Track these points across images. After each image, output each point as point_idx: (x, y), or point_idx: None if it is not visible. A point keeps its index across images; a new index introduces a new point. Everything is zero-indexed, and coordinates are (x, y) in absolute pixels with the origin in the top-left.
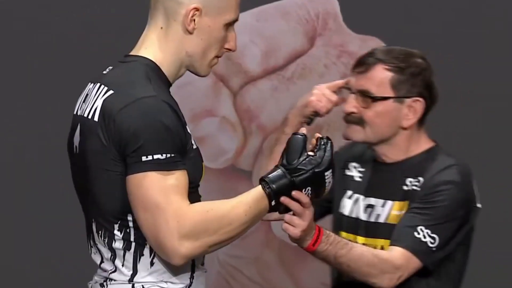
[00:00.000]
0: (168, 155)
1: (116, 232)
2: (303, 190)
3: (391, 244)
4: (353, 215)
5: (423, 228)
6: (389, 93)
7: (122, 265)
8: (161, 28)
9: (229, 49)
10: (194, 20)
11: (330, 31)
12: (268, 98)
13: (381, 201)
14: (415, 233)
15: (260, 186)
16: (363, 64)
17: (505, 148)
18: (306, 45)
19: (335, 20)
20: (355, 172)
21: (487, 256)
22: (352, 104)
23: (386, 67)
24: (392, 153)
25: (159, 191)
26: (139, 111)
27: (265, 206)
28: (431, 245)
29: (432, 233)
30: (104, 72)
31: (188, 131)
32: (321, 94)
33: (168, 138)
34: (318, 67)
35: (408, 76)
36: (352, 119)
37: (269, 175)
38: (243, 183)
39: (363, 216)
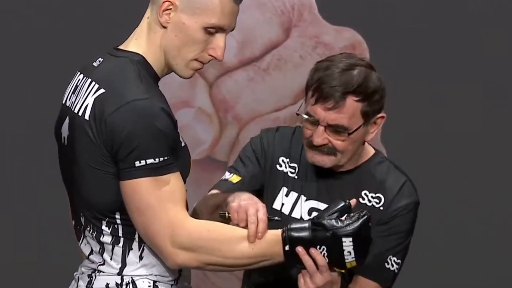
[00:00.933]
0: (162, 159)
1: (104, 227)
2: (318, 247)
3: (363, 275)
4: (296, 215)
5: (391, 256)
6: (360, 122)
7: (111, 259)
8: (148, 18)
9: (214, 57)
10: (170, 14)
11: (305, 22)
12: (244, 89)
13: None
14: (385, 264)
15: (281, 229)
16: (330, 98)
17: (504, 147)
18: (282, 36)
19: (310, 11)
20: (286, 167)
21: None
22: (322, 137)
23: (356, 98)
24: (347, 164)
25: (154, 197)
26: (132, 114)
27: (278, 249)
28: (396, 270)
29: (398, 259)
30: (95, 64)
31: (178, 129)
32: (243, 210)
33: (161, 141)
34: (294, 58)
35: (374, 100)
36: (323, 150)
37: (294, 224)
38: (219, 173)
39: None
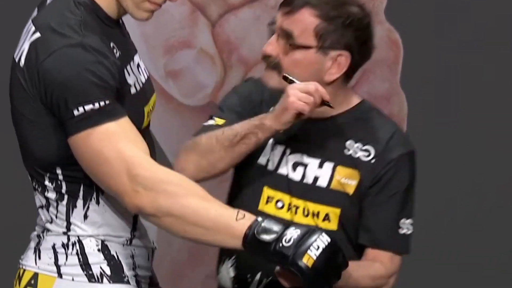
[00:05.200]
0: (102, 103)
1: (47, 183)
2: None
3: (374, 246)
4: (282, 172)
5: (404, 220)
6: (311, 42)
7: (56, 217)
8: None
9: None
10: None
11: None
12: (249, 28)
13: (316, 161)
14: (399, 230)
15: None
16: (290, 4)
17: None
18: None
19: None
20: None
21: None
22: (272, 46)
23: (314, 12)
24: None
25: (105, 145)
26: (62, 62)
27: (241, 227)
28: (411, 231)
29: (410, 219)
30: (48, 1)
31: (130, 73)
32: (299, 93)
33: (98, 85)
34: None
35: (336, 26)
36: (270, 63)
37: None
38: None
39: (294, 175)
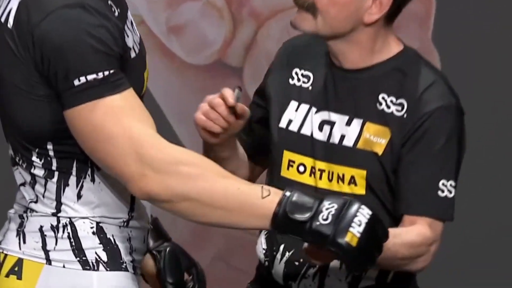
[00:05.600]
0: (106, 73)
1: (34, 159)
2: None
3: (411, 213)
4: (306, 132)
5: (444, 181)
6: None
7: (43, 196)
8: None
9: None
10: None
11: None
12: None
13: (344, 117)
14: (439, 192)
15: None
16: None
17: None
18: None
19: None
20: (300, 78)
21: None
22: None
23: None
24: (353, 54)
25: (108, 120)
26: (60, 24)
27: (269, 204)
28: (452, 194)
29: (452, 180)
30: None
31: (128, 34)
32: (205, 106)
33: (101, 52)
34: None
35: None
36: (303, 4)
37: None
38: (232, 81)
39: (319, 135)
